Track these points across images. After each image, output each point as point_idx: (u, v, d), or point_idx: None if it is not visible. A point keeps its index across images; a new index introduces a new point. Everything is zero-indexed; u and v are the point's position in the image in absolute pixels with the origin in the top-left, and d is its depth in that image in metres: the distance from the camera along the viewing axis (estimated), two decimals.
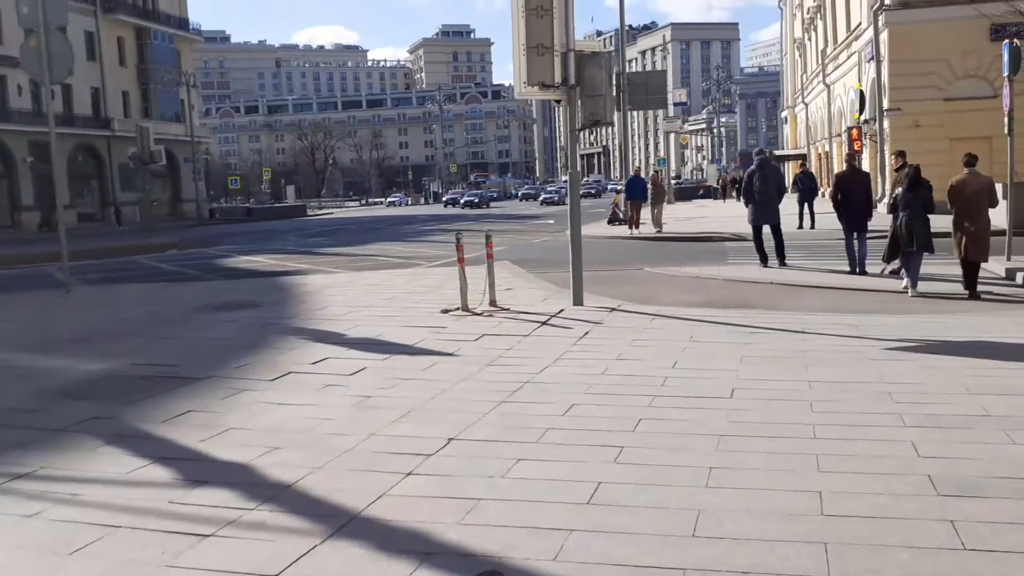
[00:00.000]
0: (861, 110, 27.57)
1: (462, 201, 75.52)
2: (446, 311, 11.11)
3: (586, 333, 9.55)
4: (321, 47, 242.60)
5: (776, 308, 11.76)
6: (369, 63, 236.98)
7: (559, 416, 6.30)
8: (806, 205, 26.47)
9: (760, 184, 16.32)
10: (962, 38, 29.94)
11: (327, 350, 8.99)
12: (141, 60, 66.44)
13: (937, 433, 5.63)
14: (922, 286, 12.82)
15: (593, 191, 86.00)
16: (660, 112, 74.42)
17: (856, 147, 27.70)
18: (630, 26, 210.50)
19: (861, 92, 27.35)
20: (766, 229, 16.64)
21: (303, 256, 24.16)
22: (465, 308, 10.99)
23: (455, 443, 5.70)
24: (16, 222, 55.45)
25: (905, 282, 13.02)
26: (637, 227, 27.74)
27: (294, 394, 7.16)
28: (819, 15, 49.90)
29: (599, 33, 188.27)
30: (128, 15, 63.96)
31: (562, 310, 10.97)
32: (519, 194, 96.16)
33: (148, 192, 42.42)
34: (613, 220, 31.73)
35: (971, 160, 13.07)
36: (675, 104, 65.02)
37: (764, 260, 16.50)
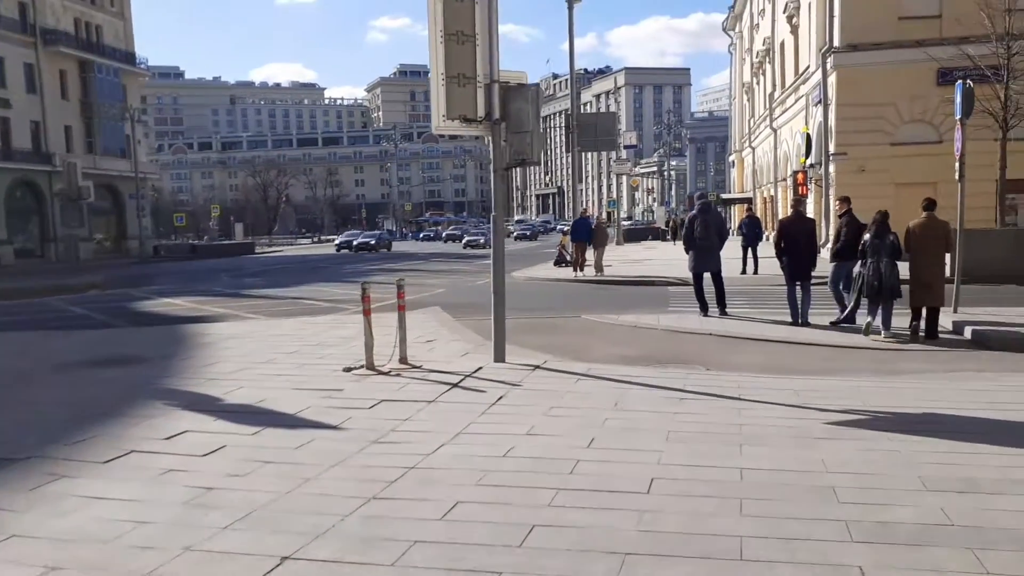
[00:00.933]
0: (807, 154, 26.90)
1: (355, 243, 65.32)
2: (349, 369, 9.84)
3: (499, 398, 8.33)
4: (277, 84, 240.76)
5: (713, 365, 10.69)
6: (326, 101, 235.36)
7: (434, 521, 5.07)
8: (750, 250, 25.67)
9: (701, 230, 15.31)
10: (909, 82, 29.50)
11: (190, 420, 7.67)
12: (84, 94, 64.58)
13: (890, 553, 4.48)
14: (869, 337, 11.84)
15: (528, 232, 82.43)
16: (612, 154, 73.86)
17: (801, 191, 27.01)
18: (585, 70, 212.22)
19: (808, 136, 26.71)
20: (707, 276, 15.64)
21: (227, 299, 22.70)
22: (370, 367, 9.73)
23: (287, 566, 4.43)
24: None
25: (873, 323, 12.62)
26: (582, 269, 26.71)
27: (121, 484, 5.84)
28: (767, 59, 49.65)
29: (555, 76, 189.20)
30: (70, 48, 62.12)
31: (480, 368, 9.75)
32: (444, 235, 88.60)
33: (75, 230, 40.47)
34: (560, 262, 30.68)
35: (930, 204, 12.74)
36: (626, 147, 64.22)
37: (704, 309, 15.46)
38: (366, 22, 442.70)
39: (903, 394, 8.44)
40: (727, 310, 15.50)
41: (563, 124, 36.20)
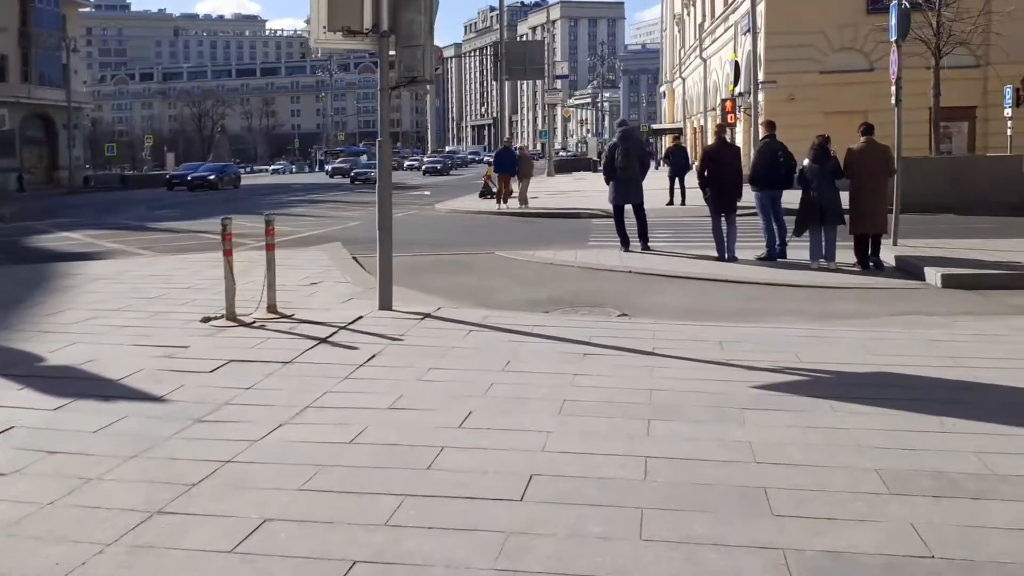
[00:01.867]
0: (736, 82, 25.41)
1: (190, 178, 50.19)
2: (207, 319, 8.13)
3: (371, 358, 6.74)
4: (221, 16, 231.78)
5: (629, 308, 9.26)
6: (267, 33, 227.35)
7: (220, 555, 3.51)
8: (677, 180, 24.20)
9: (622, 159, 13.73)
10: (839, 10, 28.15)
11: None
12: (23, 23, 60.47)
13: None
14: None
15: (438, 166, 71.61)
16: (546, 84, 71.86)
17: (730, 119, 25.59)
18: (522, 3, 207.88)
19: (736, 63, 25.23)
20: (628, 209, 14.14)
21: (129, 233, 20.62)
22: (231, 317, 8.04)
23: None
24: None
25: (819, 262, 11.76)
26: (505, 202, 25.03)
27: None
28: None
29: (492, 8, 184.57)
30: None
31: (360, 317, 8.10)
32: (328, 168, 74.60)
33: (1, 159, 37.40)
34: (485, 194, 28.88)
35: (868, 128, 11.83)
36: (558, 76, 62.30)
37: (625, 243, 14.00)
38: None
39: (844, 346, 7.04)
40: (650, 244, 14.07)
41: (494, 53, 34.19)
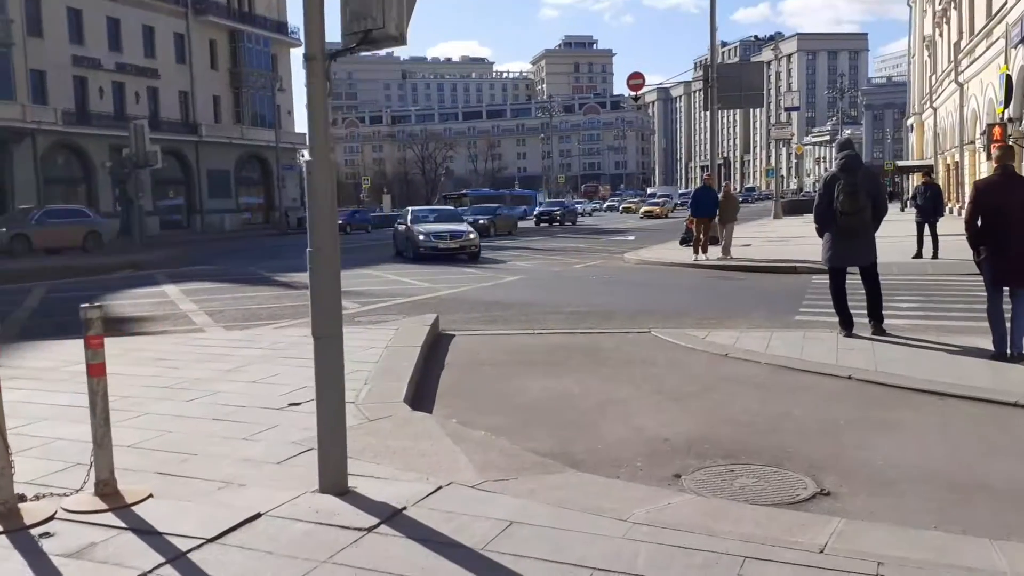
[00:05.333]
0: (1007, 102, 19.88)
1: None
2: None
3: None
4: (448, 59, 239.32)
5: (835, 468, 5.03)
6: (493, 75, 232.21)
7: None
8: (927, 227, 18.91)
9: (845, 200, 9.24)
10: None
11: None
12: (234, 64, 62.57)
13: None
14: None
15: (548, 214, 56.59)
16: (782, 120, 66.00)
17: (996, 149, 20.01)
18: (756, 37, 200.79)
19: (1008, 77, 19.72)
20: (852, 272, 9.66)
21: (241, 287, 18.06)
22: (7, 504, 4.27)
23: None
24: None
25: None
26: (704, 251, 20.67)
27: None
28: (953, 3, 41.30)
29: (724, 44, 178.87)
30: (220, 17, 60.16)
31: (256, 516, 4.12)
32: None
33: (139, 200, 36.96)
34: (687, 240, 24.39)
35: None
36: (788, 109, 56.78)
37: (846, 325, 9.45)
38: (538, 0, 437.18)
39: None
40: (884, 325, 9.49)
41: (704, 79, 29.93)
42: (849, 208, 9.22)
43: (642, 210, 68.73)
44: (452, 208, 32.15)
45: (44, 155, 48.66)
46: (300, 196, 72.05)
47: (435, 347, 9.20)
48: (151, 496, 4.31)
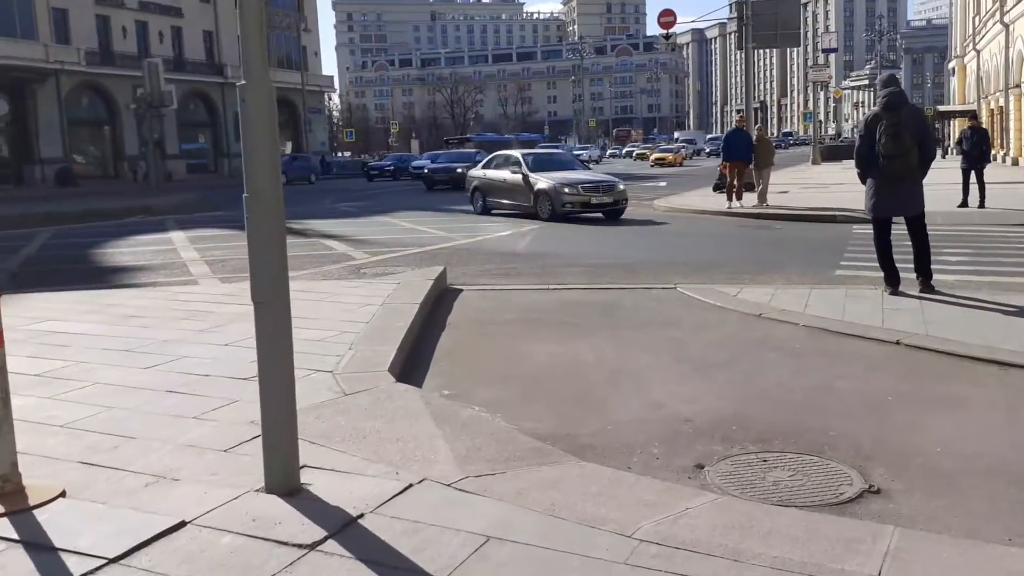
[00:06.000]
0: None
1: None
2: None
3: None
4: (478, 0, 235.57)
5: (885, 453, 4.32)
6: (524, 16, 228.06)
7: None
8: (974, 174, 17.76)
9: (889, 142, 8.27)
10: None
11: None
12: None
13: None
14: None
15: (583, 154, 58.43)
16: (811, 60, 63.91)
17: None
18: None
19: None
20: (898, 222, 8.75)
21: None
22: None
23: None
24: (119, 171, 51.33)
25: None
26: (739, 198, 19.66)
27: None
28: None
29: None
30: None
31: (180, 525, 3.45)
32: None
33: (153, 141, 36.14)
34: (720, 187, 23.22)
35: None
36: (826, 50, 54.78)
37: (893, 281, 8.54)
38: None
39: None
40: (932, 281, 8.59)
41: (738, 16, 28.56)
42: (893, 151, 8.25)
43: (653, 157, 61.43)
44: (563, 151, 29.15)
45: (68, 96, 48.10)
46: (328, 140, 71.55)
47: (439, 304, 8.44)
48: (63, 495, 3.59)
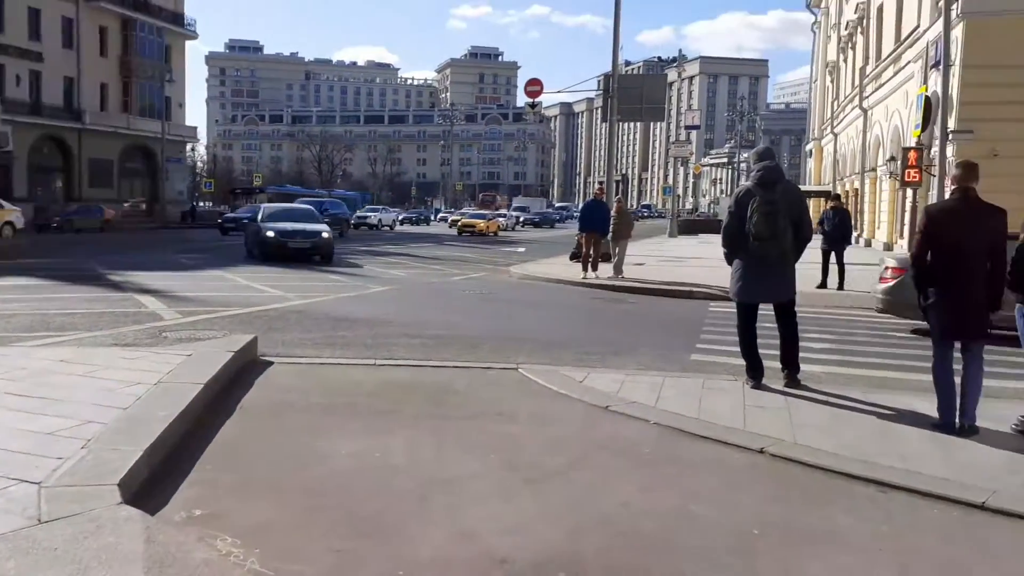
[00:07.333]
0: (926, 125, 18.76)
1: None
2: None
3: None
4: (354, 63, 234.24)
5: None
6: (398, 81, 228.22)
7: None
8: (833, 255, 17.62)
9: (762, 220, 7.44)
10: None
11: None
12: (125, 52, 58.96)
13: None
14: None
15: (414, 216, 70.93)
16: (672, 137, 65.52)
17: (911, 177, 18.94)
18: (659, 58, 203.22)
19: (927, 99, 18.60)
20: (764, 309, 7.92)
21: (57, 284, 15.47)
22: None
23: None
24: None
25: None
26: (594, 268, 18.93)
27: None
28: (859, 30, 40.92)
29: (628, 63, 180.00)
30: (113, 4, 56.49)
31: None
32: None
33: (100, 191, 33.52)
34: (577, 256, 22.38)
35: None
36: (688, 127, 56.13)
37: (756, 373, 7.63)
38: (447, 10, 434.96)
39: None
40: (799, 374, 7.76)
41: (604, 89, 28.39)
42: (766, 232, 7.42)
43: (460, 223, 51.64)
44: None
45: None
46: (188, 189, 68.55)
47: (237, 381, 7.05)
48: None
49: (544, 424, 6.28)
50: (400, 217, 68.82)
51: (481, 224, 49.27)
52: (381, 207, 66.43)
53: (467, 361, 8.60)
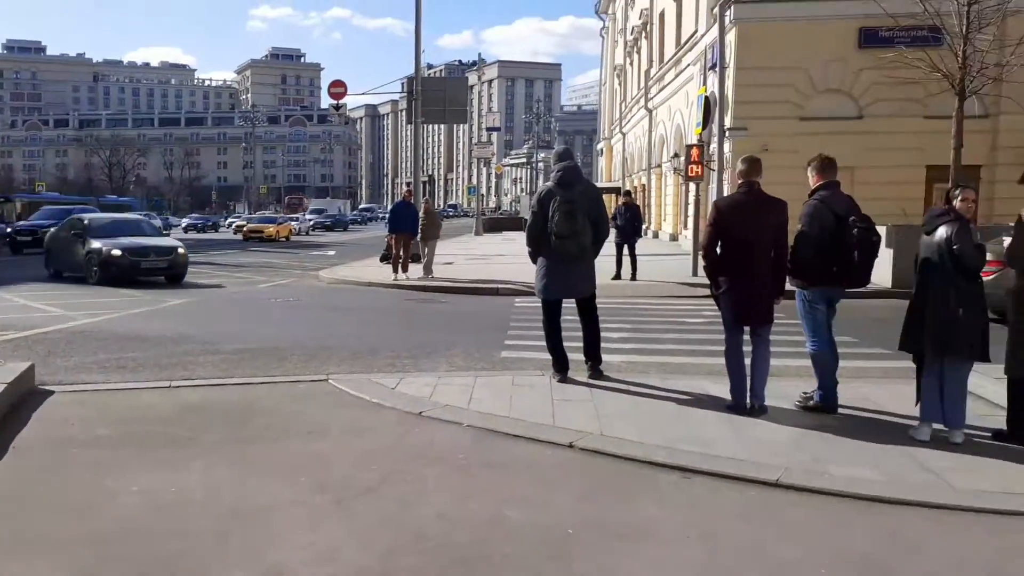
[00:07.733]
0: (706, 123, 19.74)
1: None
2: None
3: None
4: (147, 64, 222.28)
5: None
6: (195, 82, 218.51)
7: None
8: (626, 247, 18.31)
9: (562, 220, 7.49)
10: (824, 44, 22.87)
11: None
12: None
13: None
14: None
15: (199, 223, 64.27)
16: (475, 138, 66.23)
17: (693, 172, 19.90)
18: (460, 61, 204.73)
19: (707, 99, 19.57)
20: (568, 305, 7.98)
21: None
22: None
23: None
24: None
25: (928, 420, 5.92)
26: (405, 271, 18.71)
27: None
28: (644, 35, 42.61)
29: (430, 66, 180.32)
30: None
31: None
32: None
33: None
34: (387, 257, 21.99)
35: None
36: (490, 129, 56.82)
37: (562, 367, 7.71)
38: (246, 11, 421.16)
39: None
40: (602, 366, 7.89)
41: (408, 91, 28.24)
42: (566, 230, 7.48)
43: (246, 228, 48.08)
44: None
45: None
46: None
47: (9, 417, 6.36)
48: None
49: (356, 437, 6.04)
50: (184, 224, 65.15)
51: (271, 229, 46.41)
52: (145, 213, 56.27)
53: (274, 375, 8.20)
